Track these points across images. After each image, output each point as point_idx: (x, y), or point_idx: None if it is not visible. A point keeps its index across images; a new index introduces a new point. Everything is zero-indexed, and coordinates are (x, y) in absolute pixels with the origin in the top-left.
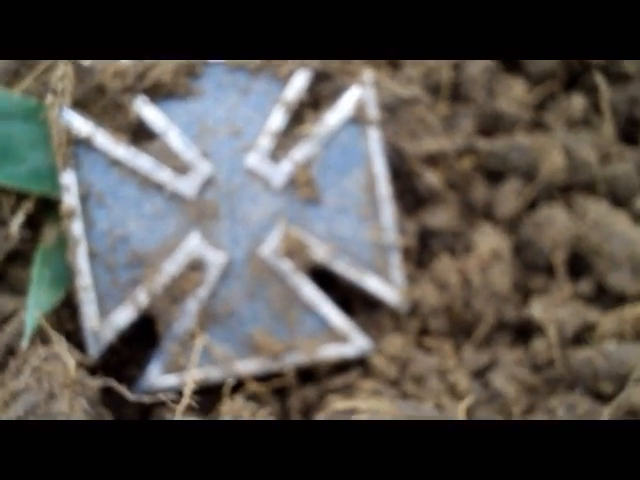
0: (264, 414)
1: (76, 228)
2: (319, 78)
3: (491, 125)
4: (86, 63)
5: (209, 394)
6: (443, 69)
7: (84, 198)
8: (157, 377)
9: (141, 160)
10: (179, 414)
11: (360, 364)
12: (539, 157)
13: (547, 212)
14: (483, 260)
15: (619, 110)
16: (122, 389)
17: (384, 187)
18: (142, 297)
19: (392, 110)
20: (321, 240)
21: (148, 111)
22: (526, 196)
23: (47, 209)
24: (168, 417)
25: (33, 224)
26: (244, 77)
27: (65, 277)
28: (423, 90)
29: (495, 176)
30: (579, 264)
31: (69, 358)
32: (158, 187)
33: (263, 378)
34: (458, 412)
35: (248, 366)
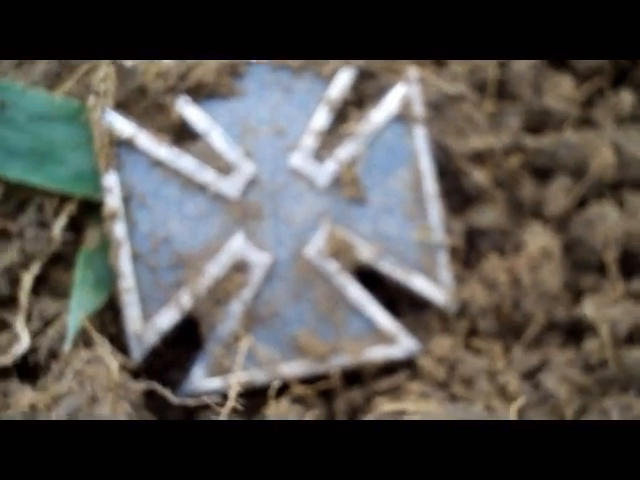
0: (310, 417)
1: (118, 230)
2: (363, 76)
3: (539, 122)
4: (128, 64)
5: (254, 397)
6: (489, 66)
7: (126, 200)
8: (201, 380)
9: (184, 161)
10: (224, 417)
11: (407, 366)
12: (588, 154)
13: (597, 210)
14: (533, 259)
15: None
16: (166, 392)
17: (430, 185)
18: (185, 299)
19: (438, 107)
20: (366, 240)
21: (190, 111)
22: (575, 194)
23: (90, 211)
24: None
25: (76, 226)
26: (287, 76)
27: (108, 279)
28: (469, 87)
29: (543, 174)
30: (631, 262)
31: (112, 361)
32: (201, 188)
33: (308, 380)
34: (509, 414)
35: (293, 368)
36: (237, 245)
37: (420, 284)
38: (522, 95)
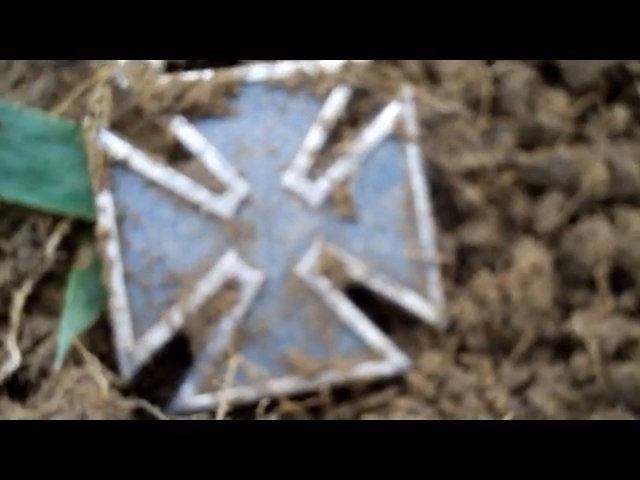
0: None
1: (111, 249)
2: (358, 95)
3: (532, 139)
4: (124, 85)
5: (243, 414)
6: (483, 83)
7: (120, 219)
8: (190, 397)
9: (178, 181)
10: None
11: (397, 382)
12: (581, 170)
13: (589, 226)
14: (523, 275)
15: None
16: (154, 410)
17: (422, 204)
18: (176, 317)
19: (431, 126)
20: (358, 258)
21: (185, 132)
22: (567, 210)
23: (83, 231)
24: None
25: (69, 246)
26: (282, 96)
27: (100, 298)
28: (463, 105)
29: (536, 190)
30: (621, 278)
31: (102, 379)
32: (194, 207)
33: (298, 397)
34: None
35: (283, 385)
36: (229, 264)
37: (410, 301)
38: (516, 112)
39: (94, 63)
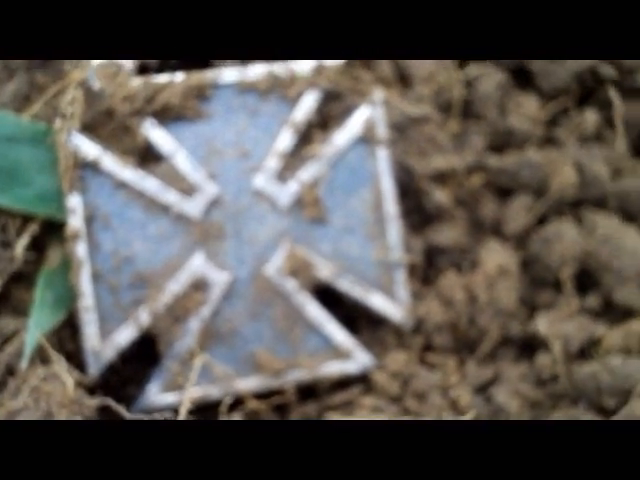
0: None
1: (80, 250)
2: (329, 98)
3: (502, 142)
4: (96, 87)
5: (209, 412)
6: (454, 87)
7: (89, 220)
8: (156, 395)
9: (148, 182)
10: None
11: (362, 381)
12: (550, 173)
13: (556, 227)
14: (489, 276)
15: (632, 125)
16: (119, 408)
17: (391, 206)
18: (144, 316)
19: (402, 129)
20: (327, 259)
21: (156, 134)
22: (536, 212)
23: (52, 232)
24: None
25: (38, 246)
26: (253, 99)
27: (68, 298)
28: (434, 108)
29: (505, 193)
30: (587, 279)
31: (68, 378)
32: (164, 209)
33: (263, 395)
34: None
35: (248, 384)
36: (197, 264)
37: (377, 301)
38: (487, 115)
39: (67, 65)
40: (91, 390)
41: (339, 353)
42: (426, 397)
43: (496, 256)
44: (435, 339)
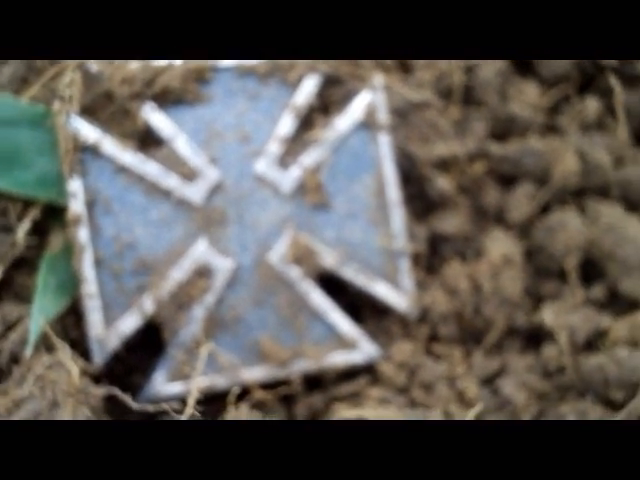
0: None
1: (82, 235)
2: (329, 83)
3: (504, 129)
4: (94, 70)
5: (214, 402)
6: (455, 73)
7: (90, 205)
8: (162, 385)
9: (148, 167)
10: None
11: (368, 371)
12: (552, 161)
13: (560, 216)
14: (494, 265)
15: (633, 113)
16: (125, 397)
17: (394, 192)
18: (148, 304)
19: (403, 114)
20: (330, 246)
21: (156, 117)
22: (539, 200)
23: (53, 216)
24: None
25: (39, 231)
26: (253, 83)
27: (71, 284)
28: (435, 94)
29: (507, 180)
30: (591, 269)
31: (73, 366)
32: (165, 194)
33: (269, 386)
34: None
35: (254, 374)
36: (200, 250)
37: (382, 290)
38: (488, 101)
39: None
40: (96, 379)
41: (344, 343)
42: (433, 388)
43: (500, 245)
44: (441, 329)
